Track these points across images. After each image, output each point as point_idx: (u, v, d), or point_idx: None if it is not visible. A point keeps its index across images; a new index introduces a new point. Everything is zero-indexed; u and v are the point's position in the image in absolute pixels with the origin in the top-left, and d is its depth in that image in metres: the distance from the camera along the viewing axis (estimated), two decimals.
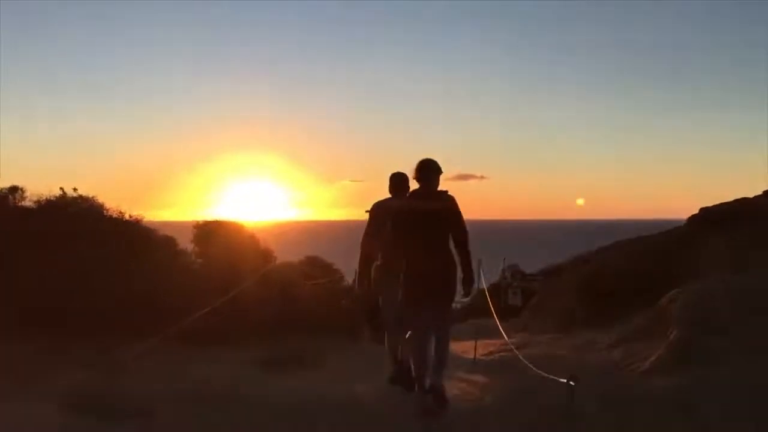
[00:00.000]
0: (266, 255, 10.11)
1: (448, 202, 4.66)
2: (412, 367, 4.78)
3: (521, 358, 4.82)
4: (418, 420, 4.46)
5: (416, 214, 4.57)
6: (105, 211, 8.92)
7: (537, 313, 10.19)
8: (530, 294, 12.70)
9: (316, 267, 17.58)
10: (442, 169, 4.69)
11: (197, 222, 9.56)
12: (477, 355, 7.30)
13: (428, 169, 4.65)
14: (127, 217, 9.11)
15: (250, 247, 9.66)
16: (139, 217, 9.52)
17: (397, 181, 5.29)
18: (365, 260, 5.33)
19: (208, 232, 9.46)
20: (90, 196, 8.80)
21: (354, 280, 12.38)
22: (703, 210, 8.43)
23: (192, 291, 7.53)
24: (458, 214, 4.66)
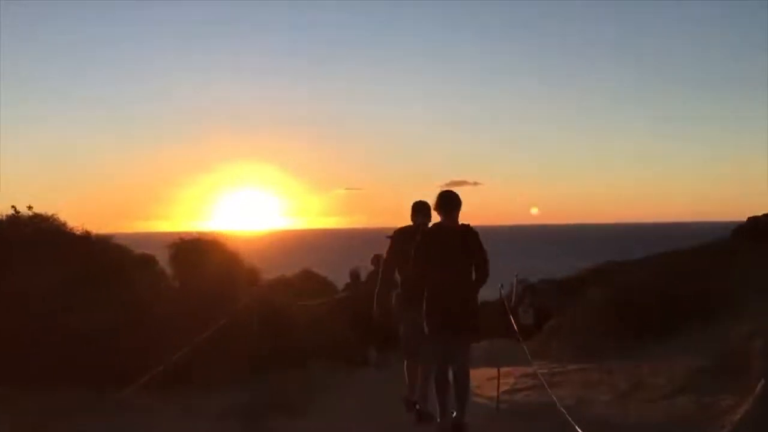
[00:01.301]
0: (252, 273, 9.02)
1: (471, 233, 4.67)
2: (436, 397, 4.75)
3: (568, 417, 3.74)
4: None
5: (442, 240, 4.58)
6: (68, 231, 7.85)
7: (556, 336, 9.12)
8: (542, 311, 11.62)
9: (311, 281, 16.51)
10: (462, 202, 4.73)
11: (174, 240, 8.47)
12: (499, 393, 6.21)
13: (449, 202, 4.67)
14: (93, 236, 8.06)
15: (234, 266, 8.56)
16: (107, 236, 8.46)
17: (419, 208, 5.36)
18: (385, 283, 5.41)
19: (185, 251, 8.36)
20: (49, 214, 7.73)
21: (348, 286, 11.47)
22: (752, 220, 7.40)
23: (164, 324, 6.45)
24: (481, 246, 4.68)
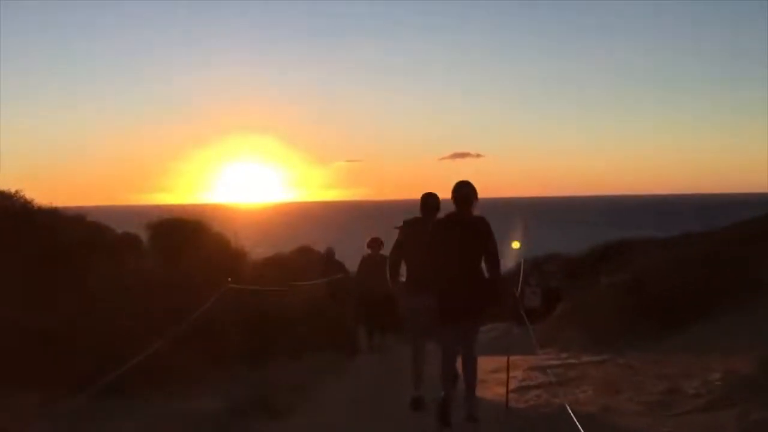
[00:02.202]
0: (238, 256, 8.35)
1: (482, 225, 4.75)
2: (442, 386, 4.85)
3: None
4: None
5: (453, 230, 4.68)
6: (31, 207, 7.16)
7: (567, 322, 8.48)
8: (550, 292, 10.93)
9: (307, 259, 15.82)
10: (478, 194, 4.81)
11: (150, 222, 7.79)
12: (508, 392, 5.55)
13: (464, 194, 4.74)
14: (61, 215, 7.38)
15: (218, 248, 7.89)
16: (79, 213, 7.79)
17: (428, 201, 5.48)
18: (393, 274, 5.52)
19: (164, 232, 7.69)
20: (10, 191, 7.04)
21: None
22: None
23: (136, 317, 5.77)
24: (491, 235, 4.74)
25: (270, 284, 8.13)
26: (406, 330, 5.75)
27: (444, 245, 4.68)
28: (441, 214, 5.24)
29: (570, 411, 3.80)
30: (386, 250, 9.11)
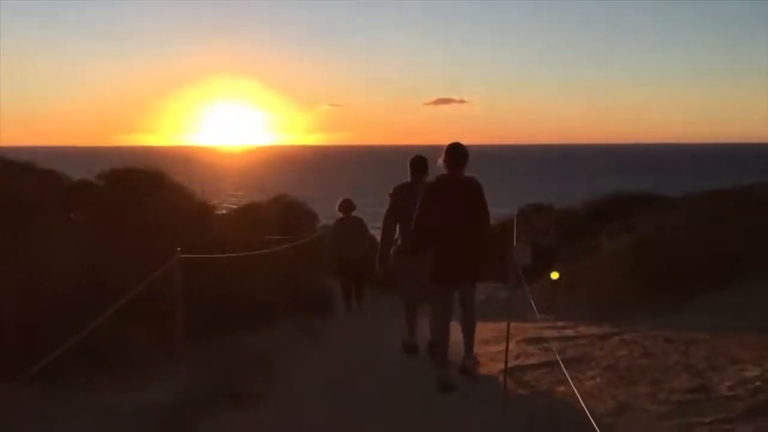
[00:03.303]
0: (203, 210, 7.51)
1: (475, 184, 4.83)
2: (434, 341, 5.10)
3: None
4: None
5: (447, 192, 4.72)
6: None
7: (562, 289, 7.84)
8: (541, 253, 10.27)
9: (285, 207, 14.97)
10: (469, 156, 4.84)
11: (102, 171, 6.91)
12: (506, 369, 4.86)
13: (458, 156, 4.77)
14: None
15: (179, 203, 7.04)
16: (29, 159, 6.91)
17: (417, 164, 5.56)
18: (386, 240, 5.70)
19: (118, 183, 6.82)
20: None
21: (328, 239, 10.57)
22: None
23: (74, 286, 4.96)
24: (483, 198, 4.83)
25: (237, 241, 7.36)
26: (400, 291, 5.91)
27: (442, 207, 4.67)
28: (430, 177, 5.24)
29: (590, 417, 3.09)
30: (357, 212, 8.85)
